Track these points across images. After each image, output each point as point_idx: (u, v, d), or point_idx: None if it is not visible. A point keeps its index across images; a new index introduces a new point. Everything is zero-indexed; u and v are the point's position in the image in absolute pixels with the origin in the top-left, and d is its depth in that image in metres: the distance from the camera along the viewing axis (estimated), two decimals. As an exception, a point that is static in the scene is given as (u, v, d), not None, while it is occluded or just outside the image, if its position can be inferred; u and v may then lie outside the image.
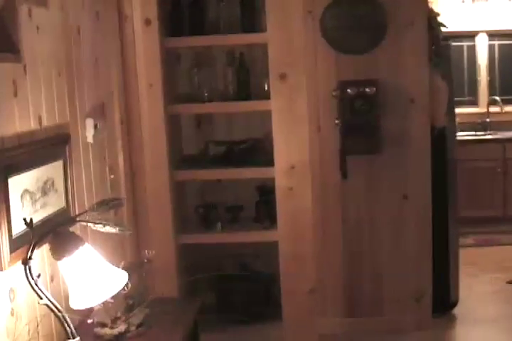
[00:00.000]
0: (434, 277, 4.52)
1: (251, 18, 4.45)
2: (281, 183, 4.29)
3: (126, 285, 2.76)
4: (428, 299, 4.50)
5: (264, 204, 4.68)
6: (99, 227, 2.48)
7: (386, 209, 4.42)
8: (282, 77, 4.20)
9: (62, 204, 2.82)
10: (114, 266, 2.47)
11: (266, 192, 4.70)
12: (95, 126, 3.12)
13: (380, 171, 4.38)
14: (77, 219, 2.55)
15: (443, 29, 4.52)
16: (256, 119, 4.64)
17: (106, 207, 2.51)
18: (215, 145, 4.81)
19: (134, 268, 2.89)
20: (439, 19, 4.53)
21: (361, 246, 4.46)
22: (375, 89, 4.22)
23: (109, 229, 2.49)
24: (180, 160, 4.72)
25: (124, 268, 2.84)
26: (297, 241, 4.29)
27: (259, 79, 4.53)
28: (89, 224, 2.49)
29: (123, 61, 4.27)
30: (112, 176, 3.39)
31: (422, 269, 4.48)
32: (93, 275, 2.35)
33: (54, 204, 2.73)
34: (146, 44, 4.28)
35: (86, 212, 2.55)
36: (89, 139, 3.10)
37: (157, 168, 4.37)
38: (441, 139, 4.50)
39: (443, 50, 4.52)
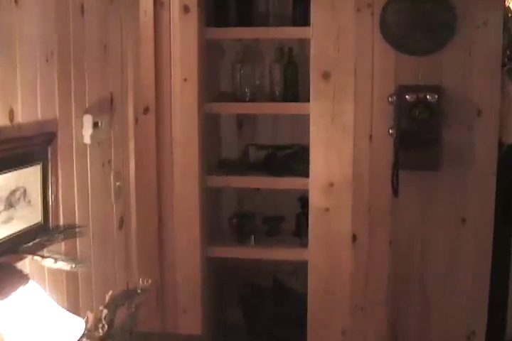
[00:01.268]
0: (489, 310, 3.82)
1: (304, 11, 3.80)
2: (316, 202, 3.69)
3: (111, 322, 2.17)
4: (481, 338, 3.79)
5: (305, 216, 4.03)
6: (48, 263, 1.88)
7: (440, 233, 3.73)
8: (325, 76, 3.57)
9: (38, 218, 2.22)
10: (68, 312, 1.83)
11: (308, 203, 4.07)
12: (95, 125, 2.52)
13: (437, 190, 3.69)
14: (20, 250, 1.93)
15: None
16: (303, 122, 3.97)
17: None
18: (256, 149, 4.20)
19: (124, 300, 2.28)
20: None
21: (409, 273, 3.78)
22: (437, 96, 3.55)
23: (62, 265, 1.89)
24: (216, 164, 4.12)
25: (111, 299, 2.25)
26: (331, 269, 3.66)
27: (309, 78, 3.90)
28: (35, 257, 1.89)
29: (156, 52, 3.71)
30: (119, 183, 2.79)
31: (477, 303, 3.77)
32: (36, 324, 1.72)
33: (25, 219, 2.14)
34: (182, 33, 3.72)
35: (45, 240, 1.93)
36: (87, 139, 2.50)
37: (187, 172, 3.80)
38: (509, 157, 3.79)
39: (519, 56, 3.81)
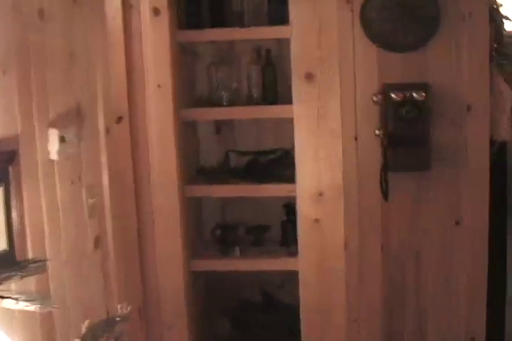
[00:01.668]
0: (487, 314, 3.63)
1: (280, 9, 3.59)
2: (304, 213, 3.49)
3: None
4: (480, 344, 3.60)
5: (291, 224, 3.82)
6: (8, 304, 1.65)
7: (434, 237, 3.52)
8: (309, 77, 3.36)
9: (3, 246, 2.00)
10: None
11: (294, 210, 3.86)
12: (62, 139, 2.29)
13: (429, 192, 3.49)
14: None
15: (507, 23, 3.60)
16: (285, 126, 3.76)
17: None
18: (237, 155, 3.99)
19: (102, 330, 2.06)
20: (503, 11, 3.61)
21: (404, 279, 3.57)
22: (424, 94, 3.35)
23: (25, 305, 1.66)
24: (196, 172, 3.90)
25: (89, 330, 2.04)
26: (323, 281, 3.46)
27: (289, 80, 3.69)
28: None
29: (127, 58, 3.49)
30: (92, 200, 2.56)
31: (475, 308, 3.57)
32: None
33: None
34: (153, 37, 3.50)
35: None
36: (53, 155, 2.28)
37: (165, 182, 3.58)
38: (501, 155, 3.60)
39: (507, 48, 3.60)
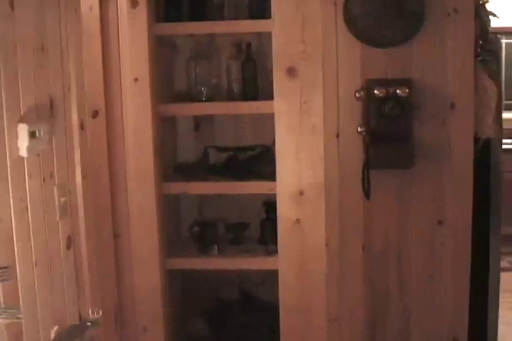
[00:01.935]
0: (470, 314, 3.53)
1: (261, 2, 3.49)
2: (284, 213, 3.38)
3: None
4: (463, 342, 3.51)
5: (271, 222, 3.72)
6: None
7: (417, 236, 3.43)
8: (291, 71, 3.25)
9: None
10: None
11: (273, 208, 3.75)
12: (32, 134, 2.17)
13: (411, 190, 3.39)
14: None
15: (493, 20, 3.50)
16: (265, 122, 3.65)
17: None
18: (216, 151, 3.87)
19: (72, 336, 1.94)
20: (488, 7, 3.52)
21: (386, 279, 3.47)
22: (408, 90, 3.24)
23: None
24: (173, 169, 3.78)
25: (57, 337, 1.92)
26: (303, 279, 3.36)
27: (270, 75, 3.58)
28: None
29: (104, 50, 3.37)
30: (64, 198, 2.44)
31: (458, 308, 3.48)
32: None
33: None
34: (131, 29, 3.38)
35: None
36: (23, 152, 2.15)
37: (141, 179, 3.47)
38: (485, 153, 3.50)
39: (492, 45, 3.50)
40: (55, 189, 2.41)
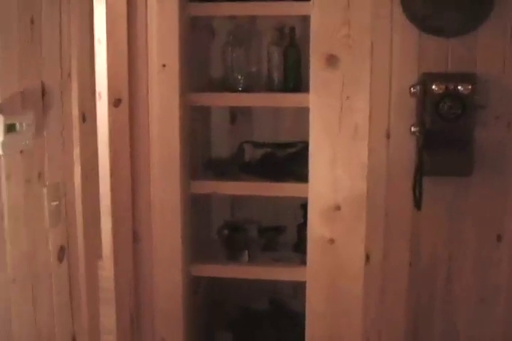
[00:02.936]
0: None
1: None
2: (315, 231, 2.87)
3: None
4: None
5: (309, 228, 3.25)
6: None
7: (471, 253, 2.92)
8: (330, 60, 2.73)
9: None
10: None
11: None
12: (10, 128, 1.72)
13: (468, 200, 2.88)
14: None
15: None
16: (308, 116, 3.17)
17: None
18: (252, 147, 3.41)
19: None
20: None
21: (432, 300, 2.97)
22: (470, 86, 2.72)
23: None
24: (204, 165, 3.31)
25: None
26: (334, 305, 2.87)
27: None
28: None
29: (130, 33, 2.91)
30: (56, 203, 1.99)
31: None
32: None
33: None
34: (161, 9, 2.91)
35: None
36: (-3, 149, 1.71)
37: (166, 176, 3.02)
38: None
39: None
40: (45, 192, 1.96)
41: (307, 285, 2.94)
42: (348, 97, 2.76)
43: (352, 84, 2.75)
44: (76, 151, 2.13)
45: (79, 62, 2.11)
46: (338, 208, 2.81)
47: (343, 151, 2.80)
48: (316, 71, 2.77)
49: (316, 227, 2.86)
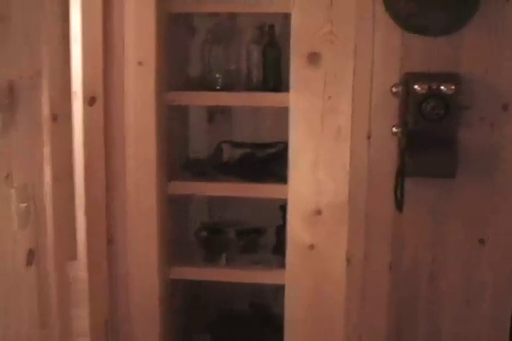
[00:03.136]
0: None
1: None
2: (295, 237, 2.78)
3: None
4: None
5: (288, 229, 3.17)
6: None
7: (454, 257, 2.85)
8: (312, 58, 2.64)
9: None
10: None
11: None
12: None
13: (451, 203, 2.81)
14: None
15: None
16: (288, 117, 3.09)
17: None
18: (230, 147, 3.31)
19: None
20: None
21: (415, 303, 2.90)
22: (454, 86, 2.65)
23: None
24: (182, 166, 3.22)
25: None
26: (315, 313, 2.79)
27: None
28: None
29: (106, 29, 2.81)
30: (24, 204, 1.90)
31: (497, 339, 2.89)
32: None
33: None
34: (138, 4, 2.80)
35: None
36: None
37: (142, 176, 2.92)
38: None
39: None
40: (13, 193, 1.87)
41: (286, 291, 2.86)
42: (330, 97, 2.67)
43: (334, 83, 2.66)
44: (46, 152, 2.04)
45: (50, 60, 2.02)
46: (318, 213, 2.73)
47: (324, 155, 2.70)
48: (297, 69, 2.68)
49: (296, 233, 2.78)
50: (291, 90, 2.71)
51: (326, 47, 2.65)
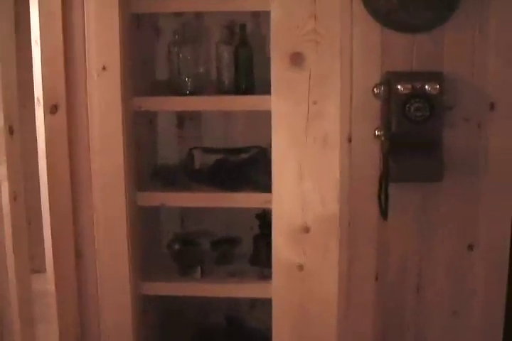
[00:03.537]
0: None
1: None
2: (281, 256, 2.57)
3: None
4: None
5: (265, 238, 2.98)
6: None
7: (442, 265, 2.68)
8: (295, 59, 2.43)
9: None
10: None
11: (269, 222, 3.01)
12: None
13: (439, 208, 2.64)
14: None
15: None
16: (261, 119, 2.88)
17: None
18: (202, 153, 3.12)
19: None
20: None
21: (401, 315, 2.73)
22: (438, 86, 2.48)
23: None
24: (152, 174, 3.02)
25: None
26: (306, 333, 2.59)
27: (268, 64, 2.82)
28: None
29: (66, 33, 2.62)
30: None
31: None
32: None
33: None
34: (99, 6, 2.60)
35: None
36: None
37: (110, 188, 2.71)
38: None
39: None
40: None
41: (273, 314, 2.64)
42: (315, 102, 2.46)
43: (320, 87, 2.46)
44: (2, 169, 1.83)
45: (3, 68, 1.81)
46: (306, 230, 2.52)
47: (311, 164, 2.50)
48: (279, 71, 2.47)
49: (282, 252, 2.57)
50: (273, 94, 2.50)
51: (309, 46, 2.44)
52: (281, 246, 2.57)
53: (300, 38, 2.42)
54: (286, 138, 2.51)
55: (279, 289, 2.62)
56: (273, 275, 2.60)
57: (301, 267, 2.53)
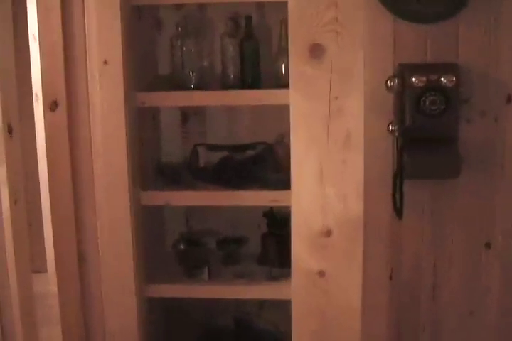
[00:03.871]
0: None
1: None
2: (300, 262, 2.40)
3: None
4: None
5: (274, 237, 2.88)
6: None
7: (458, 264, 2.57)
8: (315, 51, 2.28)
9: None
10: None
11: (277, 220, 2.90)
12: None
13: (454, 206, 2.53)
14: None
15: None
16: (268, 114, 2.85)
17: None
18: (207, 150, 2.99)
19: None
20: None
21: (416, 315, 2.62)
22: (454, 78, 2.36)
23: None
24: (156, 173, 2.91)
25: None
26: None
27: (274, 57, 2.74)
28: None
29: (66, 28, 2.50)
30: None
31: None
32: None
33: None
34: (99, -1, 2.48)
35: None
36: None
37: (113, 188, 2.59)
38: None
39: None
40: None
41: (293, 325, 2.50)
42: (336, 98, 2.30)
43: (342, 81, 2.30)
44: (2, 171, 1.71)
45: (1, 65, 1.69)
46: (328, 234, 2.35)
47: (332, 166, 2.34)
48: (297, 65, 2.29)
49: (301, 257, 2.39)
50: (291, 89, 2.30)
51: (330, 37, 2.26)
52: (301, 251, 2.40)
53: (320, 29, 2.25)
54: (305, 135, 2.32)
55: (298, 295, 2.47)
56: (292, 280, 2.44)
57: (321, 273, 2.39)
